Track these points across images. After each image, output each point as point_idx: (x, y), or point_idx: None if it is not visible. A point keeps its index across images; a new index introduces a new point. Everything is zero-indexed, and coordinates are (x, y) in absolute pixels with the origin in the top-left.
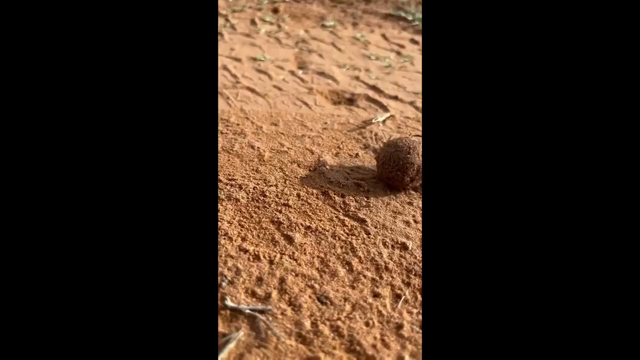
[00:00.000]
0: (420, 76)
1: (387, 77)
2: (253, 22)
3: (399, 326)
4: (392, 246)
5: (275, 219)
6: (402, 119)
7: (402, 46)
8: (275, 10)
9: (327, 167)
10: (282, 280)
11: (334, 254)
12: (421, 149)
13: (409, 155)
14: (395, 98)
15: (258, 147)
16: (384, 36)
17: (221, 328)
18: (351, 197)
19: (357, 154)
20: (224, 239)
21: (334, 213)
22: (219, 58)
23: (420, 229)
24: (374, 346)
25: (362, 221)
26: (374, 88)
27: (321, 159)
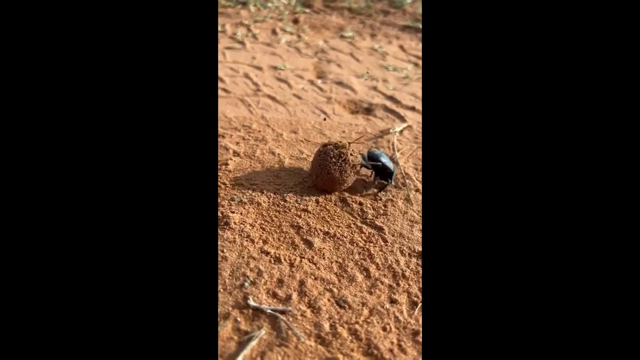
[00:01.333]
0: None
1: (404, 87)
2: (274, 32)
3: (416, 332)
4: (409, 254)
5: (295, 224)
6: (419, 130)
7: (419, 57)
8: (296, 21)
9: None
10: (302, 283)
11: (352, 260)
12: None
13: (335, 167)
14: (413, 109)
15: (278, 154)
16: (401, 47)
17: (244, 326)
18: (369, 205)
19: None
20: (246, 240)
21: (352, 220)
22: (241, 66)
23: None
24: (390, 350)
25: (380, 229)
26: (391, 98)
27: None
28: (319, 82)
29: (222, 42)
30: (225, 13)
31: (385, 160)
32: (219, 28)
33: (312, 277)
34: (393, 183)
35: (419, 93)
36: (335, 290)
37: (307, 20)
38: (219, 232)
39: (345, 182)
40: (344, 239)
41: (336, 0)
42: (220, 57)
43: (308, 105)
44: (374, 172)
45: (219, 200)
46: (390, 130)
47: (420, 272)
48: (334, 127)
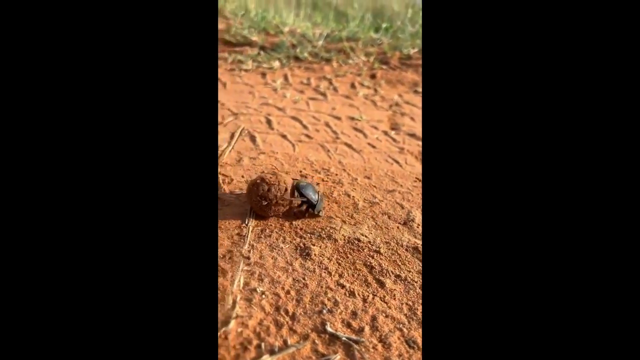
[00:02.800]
0: None
1: None
2: (353, 86)
3: None
4: None
5: (368, 263)
6: None
7: None
8: (373, 76)
9: (416, 223)
10: (374, 318)
11: (421, 305)
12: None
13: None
14: None
15: (353, 196)
16: None
17: (321, 348)
18: None
19: None
20: (325, 272)
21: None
22: (322, 115)
23: None
24: None
25: None
26: None
27: (410, 214)
28: (392, 133)
29: (307, 94)
30: (310, 68)
31: (307, 192)
32: (304, 81)
33: (384, 315)
34: (316, 213)
35: None
36: (405, 330)
37: (383, 75)
38: (301, 260)
39: (270, 205)
40: (415, 284)
41: (411, 58)
42: (304, 107)
43: (381, 154)
44: (302, 203)
45: (301, 233)
46: None
47: None
48: (405, 176)
